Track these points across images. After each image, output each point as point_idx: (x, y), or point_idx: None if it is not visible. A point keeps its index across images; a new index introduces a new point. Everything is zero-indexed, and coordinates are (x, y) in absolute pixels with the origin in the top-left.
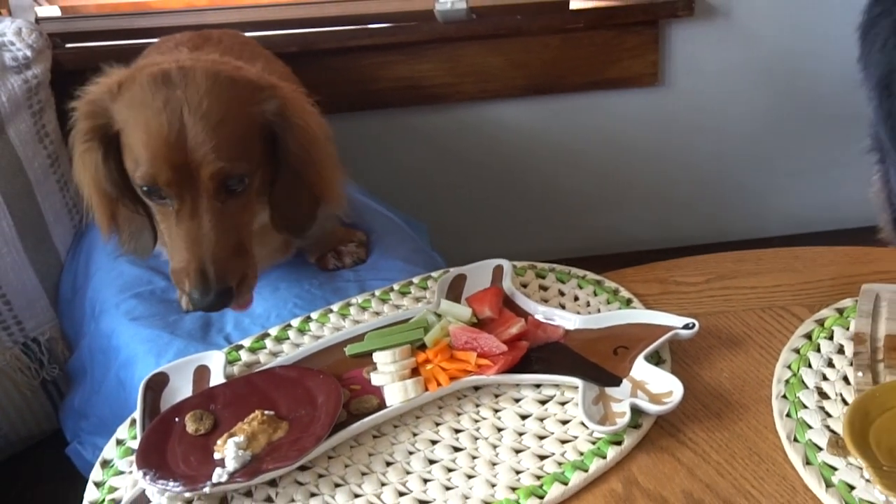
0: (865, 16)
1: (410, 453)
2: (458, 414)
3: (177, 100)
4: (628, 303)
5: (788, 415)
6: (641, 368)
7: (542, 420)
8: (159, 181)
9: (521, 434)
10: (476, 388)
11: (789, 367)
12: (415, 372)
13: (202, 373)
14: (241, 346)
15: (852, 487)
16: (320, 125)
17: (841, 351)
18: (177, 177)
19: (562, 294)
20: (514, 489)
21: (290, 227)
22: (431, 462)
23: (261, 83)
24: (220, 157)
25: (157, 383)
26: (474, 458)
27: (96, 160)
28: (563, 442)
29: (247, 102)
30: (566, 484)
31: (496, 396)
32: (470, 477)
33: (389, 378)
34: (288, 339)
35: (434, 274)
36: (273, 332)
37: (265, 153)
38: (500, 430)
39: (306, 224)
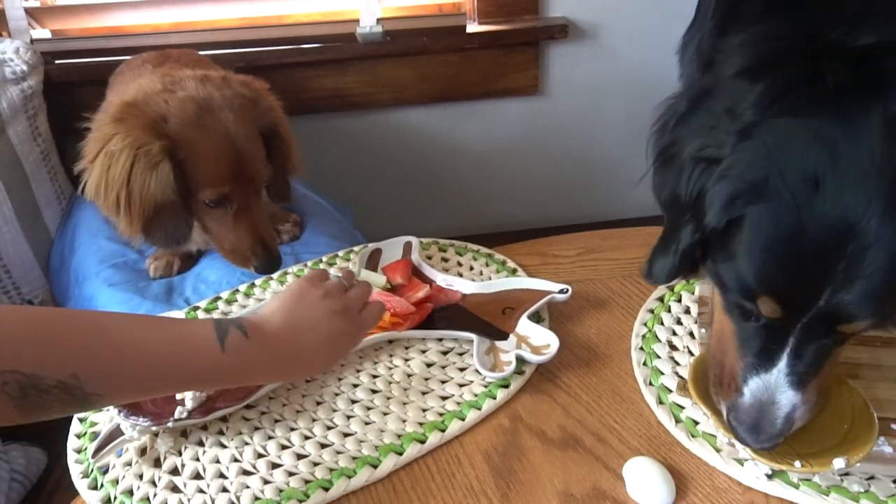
0: (681, 41)
1: (336, 395)
2: (375, 363)
3: (221, 129)
4: (514, 272)
5: (645, 363)
6: (525, 325)
7: (443, 368)
8: (227, 193)
9: (426, 379)
10: (390, 342)
11: (645, 324)
12: None
13: None
14: (197, 307)
15: (696, 423)
16: None
17: (687, 311)
18: (237, 188)
19: (460, 265)
20: (421, 424)
21: (282, 197)
22: (353, 402)
23: (254, 97)
24: (263, 166)
25: None
26: (388, 398)
27: (168, 176)
28: (461, 385)
29: (258, 119)
30: (463, 420)
31: (406, 348)
32: (385, 414)
33: None
34: (236, 301)
35: (355, 248)
36: (224, 295)
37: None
38: (409, 375)
39: (289, 192)
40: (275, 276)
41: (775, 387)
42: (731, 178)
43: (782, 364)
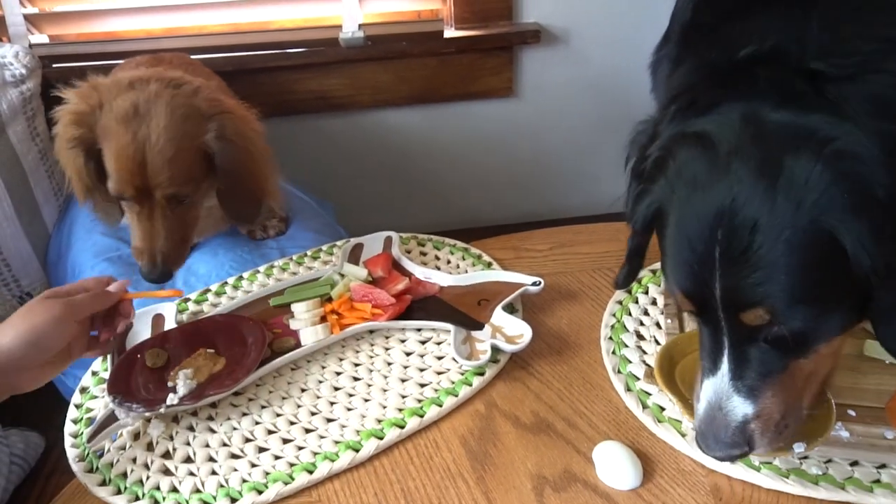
0: (653, 57)
1: (320, 382)
2: (357, 352)
3: (142, 135)
4: (489, 265)
5: (613, 352)
6: (499, 316)
7: (422, 356)
8: (126, 195)
9: (405, 367)
10: (371, 332)
11: (614, 315)
12: (323, 319)
13: (158, 320)
14: (188, 299)
15: (663, 409)
16: (257, 134)
17: (654, 303)
18: (138, 193)
19: (437, 259)
20: (400, 410)
21: (239, 218)
22: (336, 389)
23: (209, 112)
24: (172, 183)
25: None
26: (369, 385)
27: (80, 162)
28: (439, 373)
29: (194, 136)
30: (441, 406)
31: (386, 338)
32: (366, 400)
33: (304, 323)
34: (225, 293)
35: (338, 243)
36: (213, 288)
37: (209, 168)
38: (389, 364)
39: (252, 215)
40: (261, 269)
41: (722, 391)
42: (649, 192)
43: (725, 368)
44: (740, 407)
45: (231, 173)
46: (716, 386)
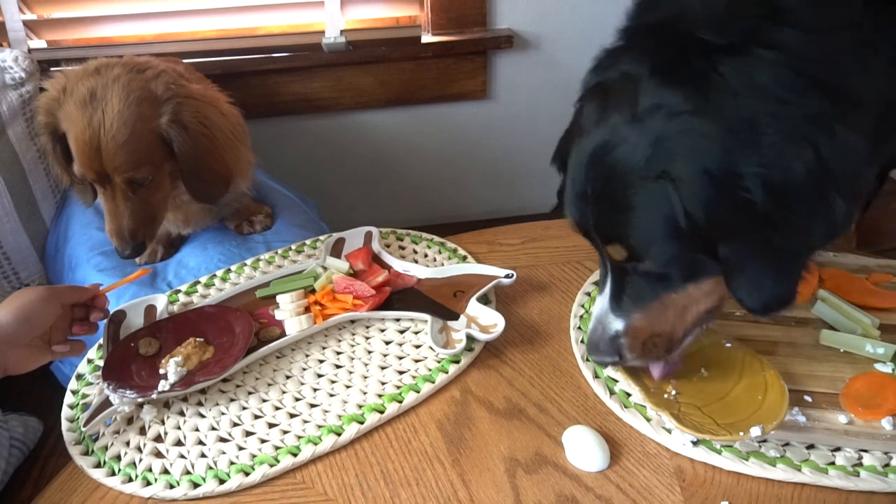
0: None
1: (304, 369)
2: (339, 341)
3: (97, 120)
4: (464, 258)
5: (582, 341)
6: (474, 307)
7: (400, 345)
8: (87, 178)
9: (385, 355)
10: (352, 322)
11: (583, 306)
12: (307, 309)
13: (151, 310)
14: (179, 291)
15: (629, 395)
16: (223, 117)
17: None
18: (98, 177)
19: (415, 252)
20: (380, 396)
21: (202, 198)
22: (319, 376)
23: (165, 95)
24: (128, 167)
25: (118, 318)
26: (351, 373)
27: (49, 147)
28: (417, 361)
29: (148, 119)
30: (418, 392)
31: (367, 328)
32: (348, 387)
33: (288, 314)
34: (214, 285)
35: (321, 237)
36: (203, 280)
37: (170, 151)
38: (369, 352)
39: (216, 195)
40: (248, 262)
41: (604, 309)
42: (566, 137)
43: (607, 290)
44: (614, 323)
45: (189, 156)
46: (601, 304)
